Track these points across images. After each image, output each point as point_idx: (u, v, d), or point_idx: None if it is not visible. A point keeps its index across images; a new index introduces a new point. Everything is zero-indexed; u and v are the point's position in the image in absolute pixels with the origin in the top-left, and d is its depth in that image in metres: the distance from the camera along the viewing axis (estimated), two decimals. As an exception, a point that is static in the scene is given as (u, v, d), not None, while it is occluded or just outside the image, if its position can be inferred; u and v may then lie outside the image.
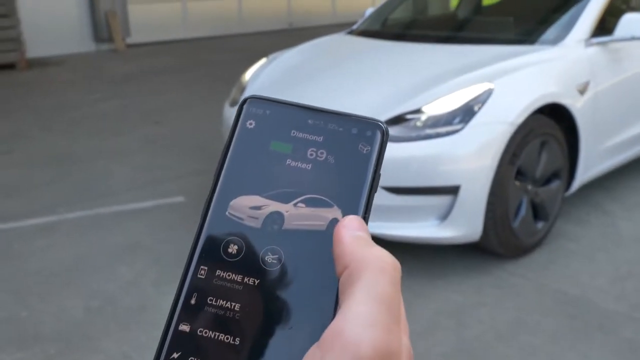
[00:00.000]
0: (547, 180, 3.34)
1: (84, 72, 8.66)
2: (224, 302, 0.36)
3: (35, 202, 4.10)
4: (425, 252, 3.30)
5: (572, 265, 3.19)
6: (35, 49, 9.30)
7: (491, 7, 5.23)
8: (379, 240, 3.10)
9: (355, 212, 0.37)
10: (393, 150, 2.94)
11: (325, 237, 0.37)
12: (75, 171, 4.67)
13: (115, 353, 2.53)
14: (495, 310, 2.81)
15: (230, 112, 3.73)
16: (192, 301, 0.36)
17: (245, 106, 0.41)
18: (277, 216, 0.38)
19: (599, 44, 3.55)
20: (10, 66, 8.69)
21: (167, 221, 3.71)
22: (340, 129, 0.39)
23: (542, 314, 2.78)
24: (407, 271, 3.14)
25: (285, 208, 0.38)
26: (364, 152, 0.39)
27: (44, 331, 2.69)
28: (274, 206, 0.38)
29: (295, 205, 0.38)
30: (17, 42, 8.70)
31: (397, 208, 2.96)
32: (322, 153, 0.39)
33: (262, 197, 0.38)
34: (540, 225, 3.31)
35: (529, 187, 3.21)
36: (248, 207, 0.38)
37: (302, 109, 0.40)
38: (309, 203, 0.38)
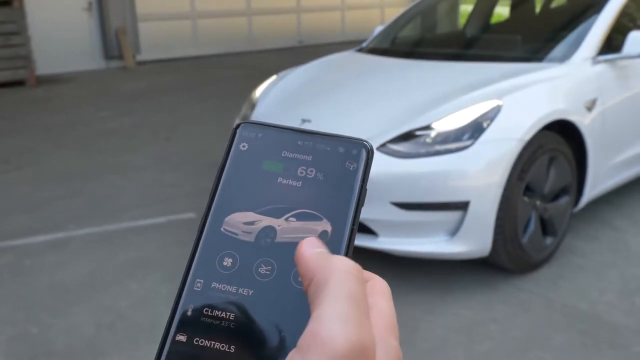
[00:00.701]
0: (556, 196, 3.35)
1: (94, 89, 8.75)
2: (219, 312, 0.38)
3: (46, 218, 4.13)
4: (435, 268, 3.31)
5: (581, 280, 3.19)
6: (45, 66, 9.41)
7: (499, 25, 5.27)
8: (388, 255, 3.11)
9: (343, 224, 0.40)
10: (403, 166, 2.96)
11: None
12: (86, 188, 4.71)
13: (127, 369, 2.55)
14: (505, 326, 2.81)
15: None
16: (189, 312, 0.39)
17: (238, 130, 0.44)
18: (269, 230, 0.40)
19: (606, 61, 3.57)
20: (20, 83, 8.79)
21: (177, 237, 3.74)
22: (328, 149, 0.42)
23: (552, 329, 2.78)
24: (417, 287, 3.15)
25: (277, 222, 0.40)
26: (351, 169, 0.41)
27: (55, 347, 2.71)
28: (266, 221, 0.40)
29: (286, 219, 0.40)
30: (27, 59, 8.80)
31: (407, 224, 2.98)
32: (311, 171, 0.42)
33: (255, 213, 0.41)
34: (549, 240, 3.31)
35: (538, 202, 3.22)
36: (242, 223, 0.40)
37: (292, 131, 0.43)
38: (300, 217, 0.40)
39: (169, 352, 0.38)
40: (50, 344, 2.73)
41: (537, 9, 5.02)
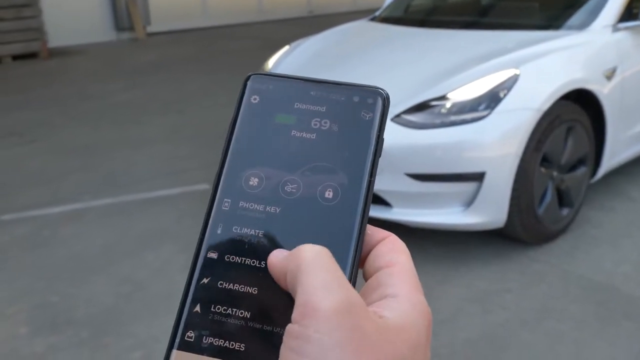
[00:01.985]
0: (573, 167, 3.32)
1: (105, 61, 8.73)
2: (248, 229, 0.38)
3: (61, 190, 4.16)
4: (449, 239, 3.31)
5: (597, 251, 3.18)
6: (56, 38, 9.39)
7: (515, -8, 5.17)
8: (402, 226, 3.11)
9: (360, 176, 0.39)
10: (417, 137, 2.94)
11: (334, 204, 0.39)
12: (99, 160, 4.73)
13: (146, 337, 2.58)
14: (520, 296, 2.82)
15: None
16: (218, 231, 0.39)
17: (248, 82, 0.42)
18: (285, 184, 0.39)
19: (626, 29, 3.50)
20: (32, 55, 8.78)
21: (192, 208, 3.76)
22: (342, 98, 0.41)
23: (567, 300, 2.78)
24: (431, 258, 3.15)
25: (293, 177, 0.39)
26: (367, 118, 0.40)
27: (76, 316, 2.75)
28: (282, 175, 0.40)
29: (302, 173, 0.39)
30: (39, 31, 8.78)
31: (422, 195, 2.97)
32: (325, 122, 0.40)
33: (270, 168, 0.40)
34: (565, 212, 3.30)
35: (555, 173, 3.20)
36: (257, 179, 0.40)
37: (304, 81, 0.42)
38: (316, 170, 0.39)
39: (202, 266, 0.38)
40: (71, 312, 2.78)
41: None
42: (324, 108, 0.41)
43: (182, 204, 3.86)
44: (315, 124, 0.40)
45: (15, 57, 8.64)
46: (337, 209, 0.39)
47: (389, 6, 4.69)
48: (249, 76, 0.42)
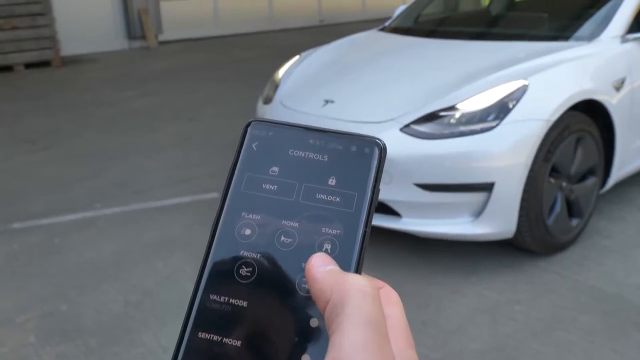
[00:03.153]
0: (582, 177, 3.31)
1: (117, 69, 8.80)
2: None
3: (73, 197, 4.20)
4: (459, 249, 3.30)
5: (607, 262, 3.17)
6: (69, 46, 9.48)
7: (524, 3, 5.18)
8: (411, 236, 3.12)
9: (356, 226, 0.39)
10: (426, 147, 2.95)
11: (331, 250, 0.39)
12: (111, 167, 4.77)
13: (154, 346, 2.60)
14: (530, 307, 2.81)
15: (263, 110, 3.77)
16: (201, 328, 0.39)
17: (249, 129, 0.43)
18: (282, 233, 0.40)
19: (635, 39, 3.50)
20: (45, 64, 8.87)
21: (202, 217, 3.78)
22: (340, 147, 0.41)
23: (577, 311, 2.77)
24: (441, 268, 3.15)
25: (290, 224, 0.40)
26: (363, 168, 0.41)
27: (85, 324, 2.77)
28: (278, 224, 0.40)
29: (298, 221, 0.40)
30: (52, 40, 8.88)
31: (431, 205, 2.97)
32: (323, 170, 0.41)
33: (268, 215, 0.40)
34: (574, 222, 3.29)
35: (564, 184, 3.19)
36: (255, 226, 0.40)
37: (303, 129, 0.42)
38: (312, 220, 0.40)
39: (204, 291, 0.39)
40: (80, 320, 2.79)
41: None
42: (322, 156, 0.41)
43: (192, 212, 3.88)
44: (313, 173, 0.41)
45: (28, 65, 8.74)
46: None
47: (398, 16, 4.70)
48: (250, 122, 0.43)
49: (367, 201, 0.40)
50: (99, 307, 2.90)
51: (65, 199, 4.17)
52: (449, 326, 2.69)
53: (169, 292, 2.99)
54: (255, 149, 0.42)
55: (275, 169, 0.42)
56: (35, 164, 4.94)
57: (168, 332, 2.68)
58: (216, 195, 4.08)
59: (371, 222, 0.40)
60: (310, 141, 0.42)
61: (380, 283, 0.40)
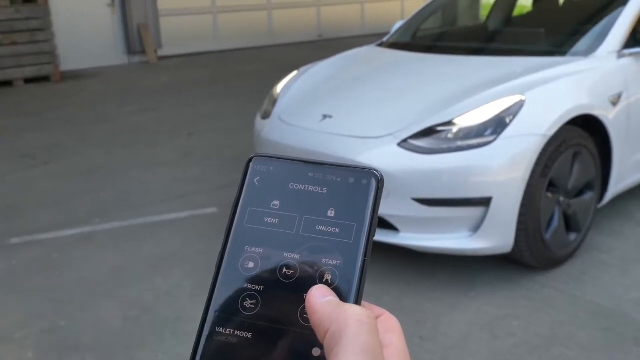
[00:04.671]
0: (580, 192, 3.32)
1: (117, 84, 8.84)
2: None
3: (72, 212, 4.20)
4: (458, 264, 3.30)
5: (606, 277, 3.17)
6: (69, 62, 9.52)
7: (522, 18, 5.22)
8: (410, 251, 3.12)
9: (355, 257, 0.40)
10: (424, 162, 2.96)
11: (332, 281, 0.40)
12: (111, 182, 4.77)
13: (153, 362, 2.59)
14: (528, 322, 2.80)
15: (261, 125, 3.79)
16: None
17: (251, 164, 0.45)
18: (284, 265, 0.41)
19: (631, 55, 3.52)
20: (44, 79, 8.90)
21: (201, 232, 3.78)
22: (339, 179, 0.43)
23: (576, 326, 2.76)
24: (439, 283, 3.15)
25: (292, 256, 0.41)
26: (361, 199, 0.42)
27: (83, 340, 2.76)
28: (280, 257, 0.41)
29: (300, 253, 0.41)
30: (51, 55, 8.91)
31: (429, 220, 2.98)
32: (323, 202, 0.42)
33: (271, 248, 0.42)
34: (572, 236, 3.29)
35: (561, 198, 3.20)
36: (259, 259, 0.41)
37: (303, 163, 0.44)
38: (313, 251, 0.41)
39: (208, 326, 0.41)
40: (78, 336, 2.79)
41: (561, 1, 4.97)
42: (321, 189, 0.43)
43: (191, 227, 3.89)
44: (313, 205, 0.42)
45: (28, 81, 8.77)
46: (333, 290, 0.40)
47: (396, 32, 4.74)
48: (252, 158, 0.45)
49: (366, 231, 0.41)
50: (97, 322, 2.89)
51: (64, 214, 4.17)
52: (447, 342, 2.69)
53: (167, 308, 2.99)
54: (257, 183, 0.44)
55: (277, 202, 0.43)
56: (35, 178, 4.95)
57: (166, 348, 2.68)
58: (215, 210, 4.08)
59: (370, 251, 0.41)
60: (310, 174, 0.43)
61: (380, 311, 0.41)
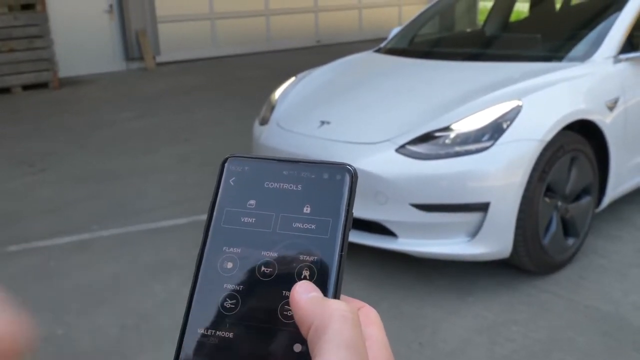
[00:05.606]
0: (578, 197, 3.32)
1: (115, 90, 8.84)
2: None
3: (70, 220, 4.20)
4: (456, 269, 3.30)
5: (604, 281, 3.17)
6: (67, 68, 9.52)
7: (518, 24, 5.23)
8: (408, 256, 3.12)
9: (332, 252, 0.41)
10: (422, 167, 2.96)
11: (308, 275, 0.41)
12: (108, 189, 4.77)
13: (151, 370, 2.58)
14: (527, 327, 2.80)
15: (260, 131, 3.79)
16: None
17: (226, 165, 0.45)
18: (263, 263, 0.41)
19: (628, 59, 3.53)
20: (43, 85, 8.91)
21: (199, 239, 3.74)
22: (313, 176, 0.43)
23: (575, 331, 2.76)
24: (437, 289, 3.15)
25: (269, 254, 0.41)
26: (336, 194, 0.42)
27: (80, 349, 2.76)
28: (259, 254, 0.41)
29: (278, 250, 0.41)
30: (50, 62, 8.92)
31: (427, 225, 2.98)
32: (298, 199, 0.43)
33: (248, 247, 0.42)
34: (570, 241, 3.29)
35: (559, 203, 3.20)
36: (237, 259, 0.42)
37: (277, 161, 0.44)
38: (290, 248, 0.41)
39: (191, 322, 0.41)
40: (76, 345, 2.78)
41: (557, 6, 4.98)
42: (296, 186, 0.43)
43: (189, 233, 3.88)
44: (289, 202, 0.43)
45: (26, 87, 8.77)
46: None
47: (394, 37, 4.74)
48: (226, 159, 0.45)
49: (342, 226, 0.41)
50: (95, 331, 2.89)
51: (62, 221, 4.17)
52: (446, 348, 2.68)
53: (165, 316, 2.98)
54: (232, 184, 0.44)
55: (253, 201, 0.43)
56: (33, 185, 4.94)
57: (164, 357, 2.67)
58: (213, 216, 4.07)
59: (347, 245, 0.41)
60: (284, 172, 0.44)
61: (360, 303, 0.41)
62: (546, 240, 3.12)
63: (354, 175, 0.43)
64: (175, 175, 5.05)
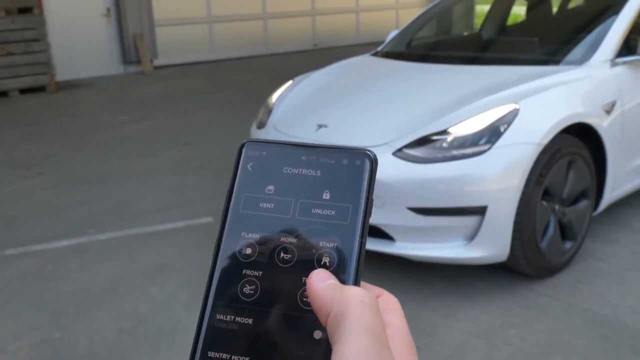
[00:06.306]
0: (575, 200, 3.33)
1: (112, 94, 8.84)
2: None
3: (67, 223, 4.19)
4: (453, 272, 3.30)
5: (602, 284, 3.17)
6: (64, 71, 9.52)
7: (515, 27, 5.24)
8: (406, 260, 3.12)
9: (352, 238, 0.40)
10: (419, 171, 2.96)
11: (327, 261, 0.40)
12: (106, 192, 4.76)
13: (148, 374, 2.58)
14: (525, 331, 2.80)
15: (256, 135, 3.79)
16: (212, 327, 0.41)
17: (244, 150, 0.44)
18: (282, 249, 0.41)
19: (625, 63, 3.54)
20: (40, 89, 8.90)
21: (197, 242, 3.77)
22: (332, 162, 0.42)
23: (572, 334, 2.76)
24: (435, 292, 3.15)
25: (289, 241, 0.41)
26: (355, 180, 0.42)
27: (78, 352, 2.75)
28: (279, 240, 0.41)
29: (297, 237, 0.41)
30: (47, 65, 8.91)
31: (424, 229, 2.98)
32: (317, 185, 0.42)
33: (267, 233, 0.41)
34: (568, 245, 3.30)
35: (557, 207, 3.21)
36: (256, 244, 0.41)
37: (295, 146, 0.44)
38: (310, 234, 0.41)
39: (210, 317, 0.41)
40: (73, 349, 2.77)
41: (554, 10, 5.00)
42: (315, 172, 0.43)
43: (187, 237, 3.88)
44: (308, 188, 0.42)
45: (23, 91, 8.76)
46: (331, 273, 0.40)
47: (391, 41, 4.75)
48: (244, 143, 0.44)
49: (362, 212, 0.41)
50: (92, 334, 2.88)
51: (59, 225, 4.16)
52: (444, 351, 2.68)
53: (163, 319, 2.98)
54: (250, 169, 0.44)
55: (271, 187, 0.43)
56: (30, 189, 4.93)
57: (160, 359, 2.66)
58: (211, 220, 4.07)
59: (367, 232, 0.41)
60: (303, 157, 0.43)
61: (379, 290, 0.41)
62: (544, 244, 3.12)
63: (374, 160, 0.42)
64: (173, 179, 5.04)
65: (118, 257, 3.66)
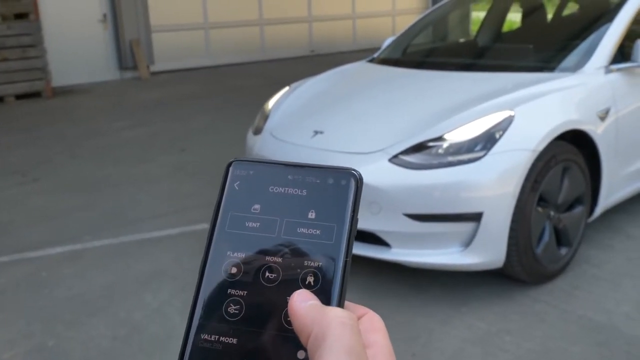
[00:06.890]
0: (570, 206, 3.33)
1: (109, 100, 8.83)
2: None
3: (62, 229, 4.18)
4: (449, 279, 3.30)
5: (597, 291, 3.17)
6: (61, 77, 9.52)
7: (511, 34, 5.27)
8: (402, 266, 3.12)
9: (337, 258, 0.40)
10: (415, 177, 2.97)
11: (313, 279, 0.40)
12: (102, 198, 4.75)
13: (143, 381, 2.57)
14: (521, 337, 2.80)
15: (253, 141, 3.79)
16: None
17: (231, 169, 0.45)
18: (267, 269, 0.41)
19: (619, 70, 3.56)
20: (36, 95, 8.89)
21: (192, 249, 3.76)
22: (318, 181, 0.43)
23: (568, 341, 2.76)
24: (431, 298, 3.14)
25: (274, 260, 0.41)
26: (341, 200, 0.42)
27: None
28: (264, 259, 0.41)
29: (282, 256, 0.41)
30: (43, 71, 8.91)
31: (420, 235, 2.98)
32: (303, 204, 0.42)
33: (253, 252, 0.41)
34: (563, 251, 3.30)
35: (552, 213, 3.21)
36: (241, 264, 0.41)
37: (282, 165, 0.44)
38: (295, 253, 0.41)
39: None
40: (67, 356, 2.76)
41: (549, 17, 5.02)
42: (301, 191, 0.43)
43: (182, 243, 3.87)
44: (293, 207, 0.42)
45: (19, 97, 8.75)
46: (315, 292, 0.40)
47: (387, 48, 4.76)
48: (231, 162, 0.45)
49: (346, 232, 0.41)
50: (86, 342, 2.87)
51: (54, 231, 4.15)
52: (440, 358, 2.68)
53: (157, 326, 2.97)
54: (237, 188, 0.44)
55: (257, 206, 0.43)
56: (25, 195, 4.92)
57: (156, 367, 2.65)
58: (206, 226, 4.06)
59: (351, 251, 0.41)
60: (289, 177, 0.43)
61: (363, 310, 0.41)
62: (539, 250, 3.13)
63: (359, 180, 0.42)
64: (169, 185, 5.04)
65: (113, 264, 3.65)
